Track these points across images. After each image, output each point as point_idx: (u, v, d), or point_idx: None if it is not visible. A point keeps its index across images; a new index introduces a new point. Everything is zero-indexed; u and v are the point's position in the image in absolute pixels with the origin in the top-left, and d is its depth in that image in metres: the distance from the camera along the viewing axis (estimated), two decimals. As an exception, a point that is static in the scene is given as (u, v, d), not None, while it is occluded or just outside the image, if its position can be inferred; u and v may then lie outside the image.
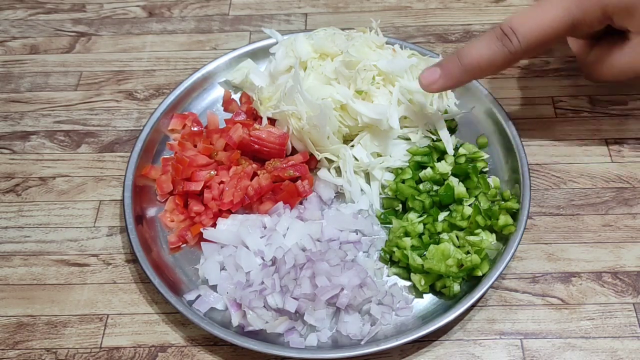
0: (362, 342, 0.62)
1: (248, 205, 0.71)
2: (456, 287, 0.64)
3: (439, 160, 0.73)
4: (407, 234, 0.68)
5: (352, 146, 0.73)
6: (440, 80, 0.68)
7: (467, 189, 0.70)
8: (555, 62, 0.85)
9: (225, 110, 0.82)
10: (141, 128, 0.77)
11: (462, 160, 0.72)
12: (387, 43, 0.79)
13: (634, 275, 0.67)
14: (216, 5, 0.96)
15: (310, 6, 0.95)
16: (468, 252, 0.65)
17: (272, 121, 0.76)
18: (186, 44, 0.91)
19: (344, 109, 0.73)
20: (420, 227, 0.68)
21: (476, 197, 0.70)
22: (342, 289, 0.62)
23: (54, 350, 0.65)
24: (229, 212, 0.70)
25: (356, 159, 0.73)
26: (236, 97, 0.83)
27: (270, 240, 0.67)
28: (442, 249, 0.65)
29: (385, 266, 0.68)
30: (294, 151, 0.75)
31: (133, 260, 0.70)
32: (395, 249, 0.67)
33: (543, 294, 0.67)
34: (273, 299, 0.63)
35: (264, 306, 0.63)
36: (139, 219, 0.70)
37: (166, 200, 0.73)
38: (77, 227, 0.74)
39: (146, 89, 0.86)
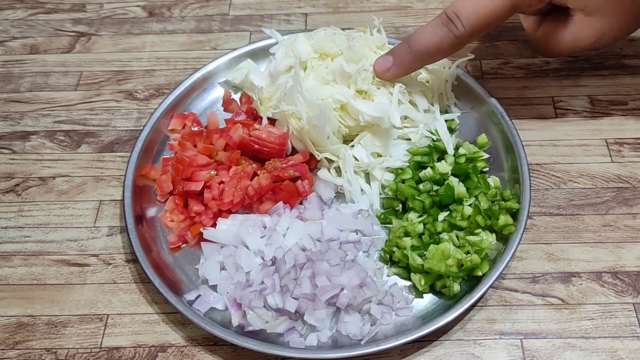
0: (362, 342, 0.62)
1: (248, 205, 0.71)
2: (456, 287, 0.64)
3: (439, 160, 0.73)
4: (407, 234, 0.68)
5: (352, 146, 0.73)
6: (393, 68, 0.71)
7: (467, 189, 0.70)
8: (555, 62, 0.85)
9: (225, 110, 0.82)
10: (141, 128, 0.78)
11: (462, 160, 0.72)
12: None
13: (634, 275, 0.67)
14: (216, 5, 0.96)
15: (310, 6, 0.95)
16: (468, 252, 0.66)
17: (272, 121, 0.76)
18: (186, 44, 0.91)
19: (344, 109, 0.73)
20: (420, 227, 0.68)
21: (476, 197, 0.70)
22: (342, 289, 0.62)
23: (54, 350, 0.65)
24: (229, 212, 0.70)
25: (356, 159, 0.73)
26: (236, 97, 0.83)
27: (270, 240, 0.67)
28: (442, 249, 0.65)
29: (385, 266, 0.68)
30: (294, 151, 0.75)
31: (133, 260, 0.71)
32: (395, 249, 0.67)
33: (543, 294, 0.67)
34: (273, 299, 0.63)
35: (264, 306, 0.63)
36: (139, 219, 0.70)
37: (166, 200, 0.73)
38: (77, 227, 0.74)
39: (146, 89, 0.86)
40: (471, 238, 0.67)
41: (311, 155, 0.74)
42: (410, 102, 0.75)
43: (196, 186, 0.71)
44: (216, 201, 0.70)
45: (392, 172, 0.73)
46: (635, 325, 0.64)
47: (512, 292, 0.67)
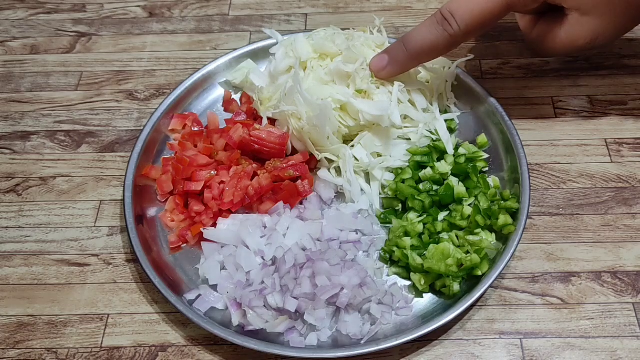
0: (362, 342, 0.62)
1: (248, 205, 0.71)
2: (456, 287, 0.64)
3: (439, 160, 0.73)
4: (407, 234, 0.68)
5: (352, 146, 0.73)
6: (389, 67, 0.72)
7: (467, 188, 0.70)
8: (555, 62, 0.85)
9: (226, 110, 0.82)
10: (142, 128, 0.78)
11: (462, 160, 0.72)
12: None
13: (634, 275, 0.68)
14: (216, 5, 0.96)
15: (310, 6, 0.95)
16: (468, 252, 0.66)
17: (272, 121, 0.76)
18: (186, 44, 0.92)
19: (344, 109, 0.73)
20: (420, 227, 0.68)
21: (476, 197, 0.70)
22: (342, 289, 0.63)
23: (55, 350, 0.65)
24: (229, 211, 0.70)
25: (356, 159, 0.73)
26: (236, 97, 0.83)
27: (270, 240, 0.67)
28: (442, 248, 0.65)
29: (385, 266, 0.68)
30: (294, 151, 0.75)
31: (133, 260, 0.71)
32: (395, 248, 0.67)
33: (543, 293, 0.67)
34: (273, 299, 0.63)
35: (264, 306, 0.63)
36: (140, 218, 0.71)
37: (166, 200, 0.73)
38: (77, 227, 0.74)
39: (147, 89, 0.86)
40: (471, 238, 0.67)
41: (311, 155, 0.74)
42: (410, 101, 0.75)
43: (196, 186, 0.71)
44: (216, 201, 0.70)
45: (392, 172, 0.73)
46: (635, 325, 0.64)
47: (511, 291, 0.67)
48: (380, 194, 0.73)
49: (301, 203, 0.72)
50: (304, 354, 0.61)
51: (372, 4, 0.95)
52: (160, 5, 0.97)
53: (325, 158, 0.73)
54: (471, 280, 0.66)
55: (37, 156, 0.80)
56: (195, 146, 0.75)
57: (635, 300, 0.66)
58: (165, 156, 0.77)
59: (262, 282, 0.64)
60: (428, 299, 0.66)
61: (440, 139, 0.74)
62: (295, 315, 0.63)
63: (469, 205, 0.69)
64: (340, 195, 0.73)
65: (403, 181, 0.72)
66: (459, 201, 0.70)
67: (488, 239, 0.67)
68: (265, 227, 0.69)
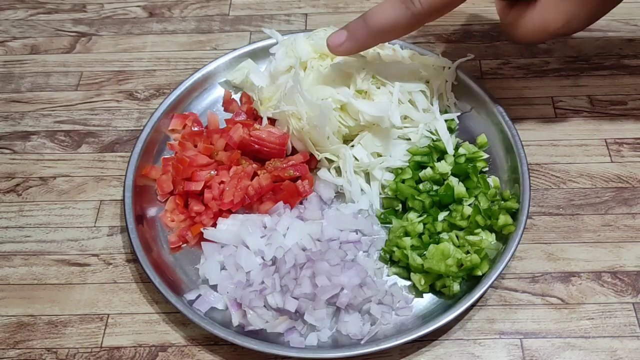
0: (362, 342, 0.62)
1: (248, 205, 0.71)
2: (456, 287, 0.64)
3: (439, 160, 0.73)
4: (407, 234, 0.68)
5: (352, 146, 0.74)
6: (347, 43, 0.69)
7: (467, 188, 0.70)
8: (555, 62, 0.86)
9: (226, 110, 0.82)
10: (142, 128, 0.78)
11: (462, 160, 0.73)
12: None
13: (634, 275, 0.68)
14: (216, 5, 0.96)
15: (310, 6, 0.95)
16: (468, 252, 0.66)
17: (272, 121, 0.76)
18: (186, 44, 0.92)
19: (344, 109, 0.73)
20: (420, 227, 0.68)
21: (476, 197, 0.70)
22: (342, 289, 0.63)
23: (55, 349, 0.65)
24: (229, 211, 0.70)
25: (356, 159, 0.73)
26: (236, 97, 0.83)
27: (270, 240, 0.67)
28: (442, 248, 0.65)
29: (385, 266, 0.68)
30: (294, 151, 0.75)
31: (133, 260, 0.71)
32: (395, 248, 0.67)
33: (543, 293, 0.67)
34: (273, 299, 0.63)
35: (264, 306, 0.63)
36: (140, 218, 0.71)
37: (166, 200, 0.73)
38: (77, 227, 0.74)
39: (147, 89, 0.86)
40: (471, 238, 0.67)
41: (311, 155, 0.74)
42: (410, 101, 0.75)
43: (196, 186, 0.71)
44: (216, 201, 0.70)
45: (392, 172, 0.73)
46: (635, 324, 0.64)
47: (511, 291, 0.67)
48: (380, 194, 0.73)
49: (301, 203, 0.72)
50: (304, 354, 0.61)
51: (372, 4, 0.95)
52: (160, 5, 0.97)
53: (325, 158, 0.73)
54: (471, 280, 0.66)
55: (37, 156, 0.80)
56: (195, 146, 0.75)
57: (635, 300, 0.66)
58: (165, 156, 0.76)
59: (262, 282, 0.64)
60: (428, 299, 0.66)
61: (440, 139, 0.74)
62: (295, 315, 0.63)
63: (469, 205, 0.69)
64: (340, 195, 0.73)
65: (403, 181, 0.72)
66: (459, 201, 0.70)
67: (488, 239, 0.67)
68: (265, 227, 0.69)
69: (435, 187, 0.71)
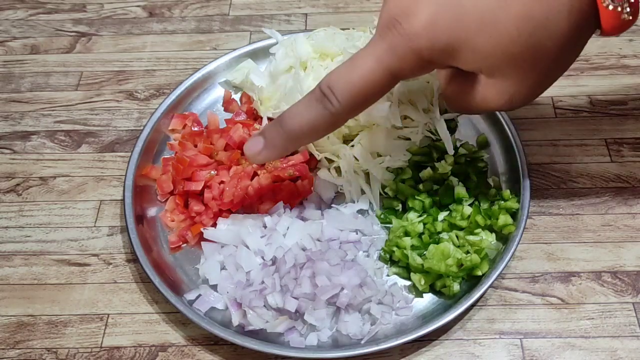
0: (362, 342, 0.62)
1: (248, 205, 0.71)
2: (456, 287, 0.64)
3: (439, 160, 0.73)
4: (407, 234, 0.68)
5: (352, 146, 0.73)
6: (264, 151, 0.62)
7: (467, 188, 0.70)
8: (555, 62, 0.85)
9: (226, 110, 0.82)
10: (142, 128, 0.78)
11: (462, 160, 0.72)
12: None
13: (634, 275, 0.68)
14: (216, 5, 0.96)
15: (310, 6, 0.95)
16: (468, 252, 0.66)
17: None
18: (186, 44, 0.92)
19: (344, 109, 0.73)
20: (420, 227, 0.68)
21: (476, 197, 0.70)
22: (342, 289, 0.63)
23: (55, 349, 0.65)
24: (229, 211, 0.70)
25: (356, 159, 0.73)
26: (236, 97, 0.83)
27: (270, 239, 0.67)
28: (442, 248, 0.65)
29: (385, 266, 0.68)
30: (294, 151, 0.75)
31: (133, 259, 0.71)
32: (395, 248, 0.67)
33: (543, 293, 0.67)
34: (273, 299, 0.63)
35: (264, 306, 0.63)
36: (140, 218, 0.71)
37: (166, 200, 0.73)
38: (77, 227, 0.74)
39: (147, 89, 0.86)
40: (471, 238, 0.67)
41: (311, 155, 0.74)
42: (410, 101, 0.75)
43: (196, 186, 0.71)
44: (216, 201, 0.70)
45: (392, 172, 0.73)
46: (635, 324, 0.64)
47: (511, 291, 0.67)
48: (380, 194, 0.73)
49: (301, 203, 0.72)
50: (304, 354, 0.61)
51: (372, 4, 0.95)
52: (160, 5, 0.97)
53: (325, 158, 0.73)
54: (471, 280, 0.66)
55: (37, 156, 0.80)
56: (195, 146, 0.75)
57: (635, 300, 0.66)
58: (165, 156, 0.76)
59: (262, 282, 0.64)
60: (428, 299, 0.66)
61: (440, 139, 0.74)
62: (295, 315, 0.63)
63: (469, 205, 0.69)
64: (340, 195, 0.73)
65: (403, 181, 0.72)
66: (459, 201, 0.70)
67: (488, 239, 0.67)
68: (265, 227, 0.69)
69: (435, 187, 0.71)
